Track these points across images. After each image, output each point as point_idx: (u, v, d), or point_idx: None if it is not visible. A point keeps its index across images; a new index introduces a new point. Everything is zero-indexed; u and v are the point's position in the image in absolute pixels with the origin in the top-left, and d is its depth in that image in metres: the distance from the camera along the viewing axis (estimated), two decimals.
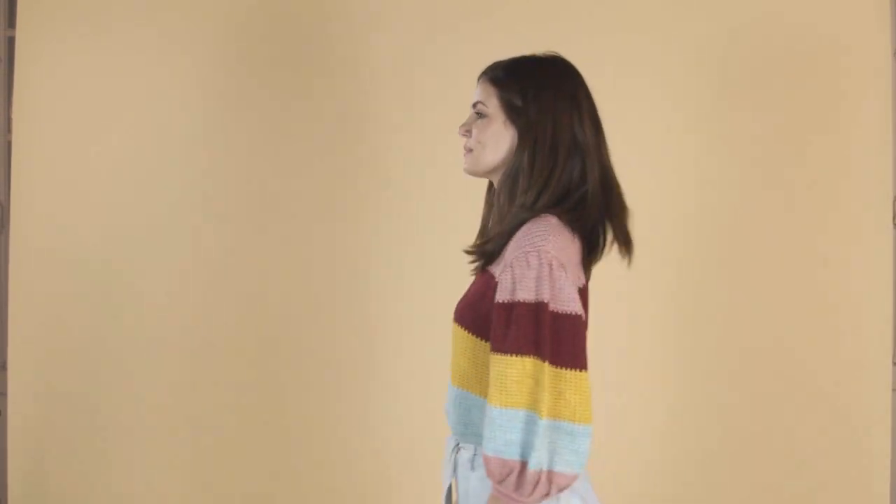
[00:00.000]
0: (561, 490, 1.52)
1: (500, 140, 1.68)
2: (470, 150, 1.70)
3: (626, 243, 1.68)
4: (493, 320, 1.55)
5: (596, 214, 1.65)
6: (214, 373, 2.86)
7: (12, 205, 2.94)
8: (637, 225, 2.76)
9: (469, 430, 1.66)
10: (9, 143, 3.12)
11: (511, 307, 1.53)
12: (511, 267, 1.55)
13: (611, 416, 2.79)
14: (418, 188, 2.77)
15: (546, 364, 1.51)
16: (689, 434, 2.77)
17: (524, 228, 1.59)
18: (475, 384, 1.63)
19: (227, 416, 2.86)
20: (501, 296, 1.55)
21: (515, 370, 1.51)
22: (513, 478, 1.52)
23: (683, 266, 2.78)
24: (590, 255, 1.67)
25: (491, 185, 1.78)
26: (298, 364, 2.84)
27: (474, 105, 1.70)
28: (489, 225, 1.75)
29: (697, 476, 2.76)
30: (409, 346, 2.79)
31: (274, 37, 2.86)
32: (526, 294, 1.53)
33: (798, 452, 2.75)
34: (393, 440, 2.81)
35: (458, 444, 1.70)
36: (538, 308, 1.52)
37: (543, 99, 1.66)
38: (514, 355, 1.51)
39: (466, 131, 1.71)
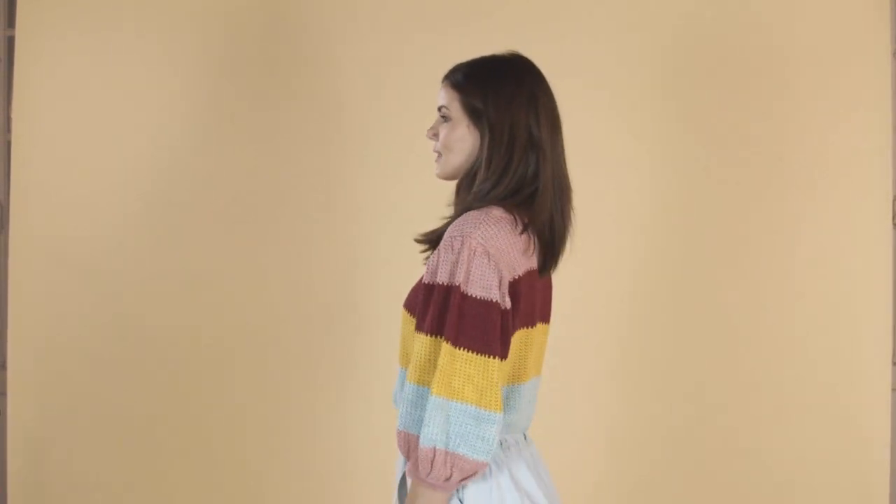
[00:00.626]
0: (466, 476, 1.55)
1: (465, 142, 1.71)
2: (439, 154, 1.74)
3: (557, 243, 1.73)
4: (425, 300, 1.61)
5: (547, 211, 1.69)
6: (215, 372, 2.87)
7: (12, 204, 2.94)
8: (637, 225, 2.77)
9: (414, 412, 1.63)
10: (8, 143, 3.12)
11: (430, 288, 1.60)
12: (438, 251, 1.61)
13: (610, 416, 2.79)
14: (416, 187, 2.77)
15: (446, 343, 1.55)
16: (688, 434, 2.77)
17: (463, 216, 1.63)
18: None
19: (228, 415, 2.86)
20: (425, 277, 1.62)
21: (422, 348, 1.58)
22: (411, 455, 1.57)
23: (682, 266, 2.78)
24: (546, 250, 1.71)
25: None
26: (299, 363, 2.84)
27: (439, 109, 1.73)
28: None
29: (696, 476, 2.76)
30: None
31: (273, 37, 2.86)
32: (443, 277, 1.58)
33: (798, 452, 2.75)
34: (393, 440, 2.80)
35: None
36: (449, 290, 1.57)
37: (502, 98, 1.69)
38: (425, 334, 1.58)
39: (434, 135, 1.74)
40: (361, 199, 2.83)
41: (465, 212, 1.64)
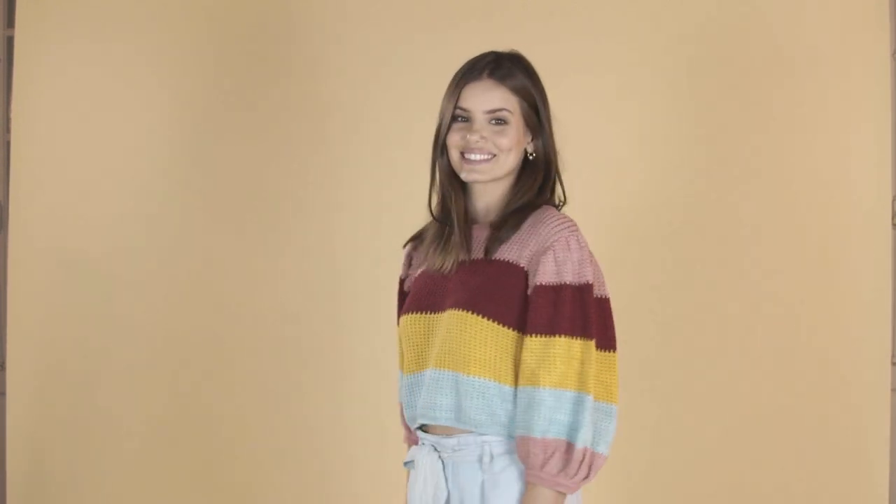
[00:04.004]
0: (595, 473, 1.59)
1: (520, 146, 1.71)
2: (493, 156, 1.68)
3: None
4: (533, 303, 1.60)
5: None
6: (214, 372, 2.86)
7: (11, 204, 2.93)
8: (637, 224, 2.77)
9: (494, 420, 1.63)
10: (8, 143, 3.11)
11: (558, 289, 1.59)
12: (552, 250, 1.60)
13: None
14: (412, 187, 2.76)
15: (592, 344, 1.59)
16: (687, 434, 2.77)
17: (543, 216, 1.65)
18: (501, 373, 1.63)
19: (228, 415, 2.86)
20: (545, 278, 1.60)
21: (563, 351, 1.57)
22: (556, 460, 1.56)
23: (680, 265, 2.78)
24: None
25: (457, 189, 1.74)
26: (299, 363, 2.84)
27: (495, 111, 1.69)
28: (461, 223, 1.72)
29: (695, 476, 2.76)
30: None
31: (272, 37, 2.86)
32: (571, 276, 1.59)
33: (797, 452, 2.75)
34: (396, 441, 2.80)
35: (446, 445, 1.67)
36: (583, 290, 1.60)
37: (546, 100, 1.74)
38: (561, 336, 1.57)
39: (482, 137, 1.68)
40: (358, 198, 2.83)
41: (528, 212, 1.67)
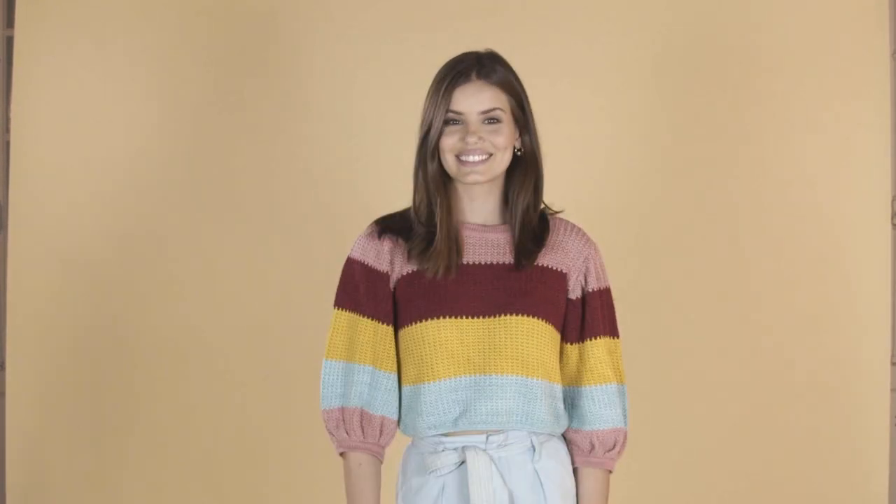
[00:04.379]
0: None
1: (511, 144, 1.73)
2: (490, 156, 1.70)
3: None
4: (591, 307, 1.75)
5: None
6: (214, 372, 2.86)
7: (10, 205, 2.93)
8: (632, 226, 2.77)
9: (558, 421, 1.73)
10: (7, 143, 3.11)
11: (605, 293, 1.77)
12: (593, 258, 1.77)
13: None
14: (402, 185, 2.76)
15: (617, 338, 1.79)
16: (686, 434, 2.77)
17: (567, 224, 1.78)
18: (557, 375, 1.74)
19: (228, 415, 2.86)
20: (600, 283, 1.77)
21: (619, 350, 1.78)
22: (619, 445, 1.75)
23: (680, 265, 2.78)
24: None
25: (443, 194, 1.74)
26: (299, 363, 2.84)
27: (489, 111, 1.70)
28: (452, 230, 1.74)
29: (694, 476, 2.77)
30: None
31: (272, 37, 2.86)
32: (607, 281, 1.79)
33: (796, 452, 2.75)
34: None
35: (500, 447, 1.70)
36: (609, 291, 1.79)
37: (528, 98, 1.77)
38: (616, 337, 1.78)
39: (480, 138, 1.69)
40: (352, 197, 2.82)
41: (540, 216, 1.77)
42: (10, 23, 3.21)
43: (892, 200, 2.80)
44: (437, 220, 1.71)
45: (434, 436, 1.72)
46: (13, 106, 2.94)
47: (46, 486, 2.91)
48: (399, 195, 2.69)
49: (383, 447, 1.76)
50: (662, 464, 2.78)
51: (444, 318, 1.69)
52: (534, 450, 1.71)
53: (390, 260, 1.76)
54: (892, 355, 2.81)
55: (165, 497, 2.88)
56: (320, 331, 2.83)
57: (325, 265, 2.83)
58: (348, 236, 2.81)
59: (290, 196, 2.85)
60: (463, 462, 1.69)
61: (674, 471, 2.78)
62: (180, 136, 2.88)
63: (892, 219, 2.81)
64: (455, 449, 1.70)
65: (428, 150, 1.71)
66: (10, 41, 3.16)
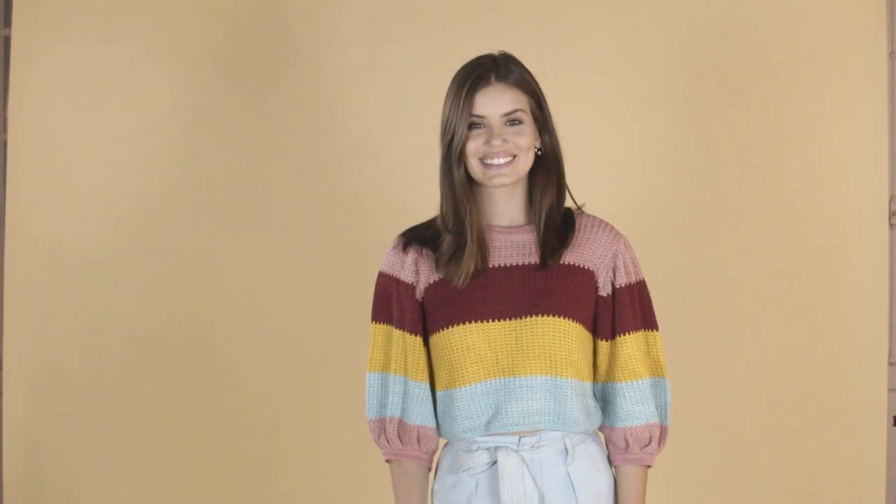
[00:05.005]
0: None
1: (533, 144, 1.74)
2: (514, 157, 1.71)
3: None
4: (620, 303, 1.75)
5: None
6: (211, 372, 2.86)
7: (8, 204, 2.93)
8: (635, 225, 2.77)
9: (590, 419, 1.74)
10: (4, 143, 3.11)
11: (638, 287, 1.78)
12: (622, 253, 1.76)
13: None
14: (412, 184, 2.77)
15: (656, 331, 1.80)
16: (684, 434, 2.77)
17: (592, 221, 1.78)
18: (587, 373, 1.75)
19: (226, 415, 2.86)
20: (629, 277, 1.77)
21: (654, 342, 1.78)
22: (655, 440, 1.75)
23: (678, 265, 2.78)
24: None
25: (471, 199, 1.75)
26: (298, 363, 2.84)
27: (511, 113, 1.71)
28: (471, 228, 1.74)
29: (693, 476, 2.77)
30: None
31: (270, 35, 2.86)
32: (639, 274, 1.79)
33: (793, 452, 2.75)
34: None
35: (536, 447, 1.71)
36: (644, 284, 1.80)
37: (545, 98, 1.78)
38: (650, 330, 1.78)
39: (504, 141, 1.70)
40: (356, 198, 2.83)
41: (567, 213, 1.78)
42: (7, 22, 3.22)
43: (890, 200, 2.81)
44: (468, 226, 1.73)
45: (468, 436, 1.74)
46: (10, 105, 2.94)
47: (43, 486, 2.91)
48: (407, 195, 2.71)
49: (427, 452, 1.79)
50: (658, 463, 2.77)
51: (471, 322, 1.71)
52: (567, 452, 1.71)
53: (415, 270, 1.77)
54: (890, 355, 2.82)
55: (163, 497, 2.88)
56: (321, 331, 2.85)
57: (328, 266, 2.85)
58: (354, 237, 2.85)
59: (293, 196, 2.85)
60: (495, 462, 1.71)
61: (668, 471, 2.78)
62: (178, 136, 2.88)
63: (890, 219, 2.81)
64: (487, 449, 1.72)
65: (454, 157, 1.72)
66: (7, 41, 3.17)
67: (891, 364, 2.81)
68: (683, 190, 2.78)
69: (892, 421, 2.77)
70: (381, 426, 1.78)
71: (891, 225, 2.80)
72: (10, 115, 2.95)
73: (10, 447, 2.93)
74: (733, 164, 2.77)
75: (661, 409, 1.76)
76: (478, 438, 1.72)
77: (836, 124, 2.75)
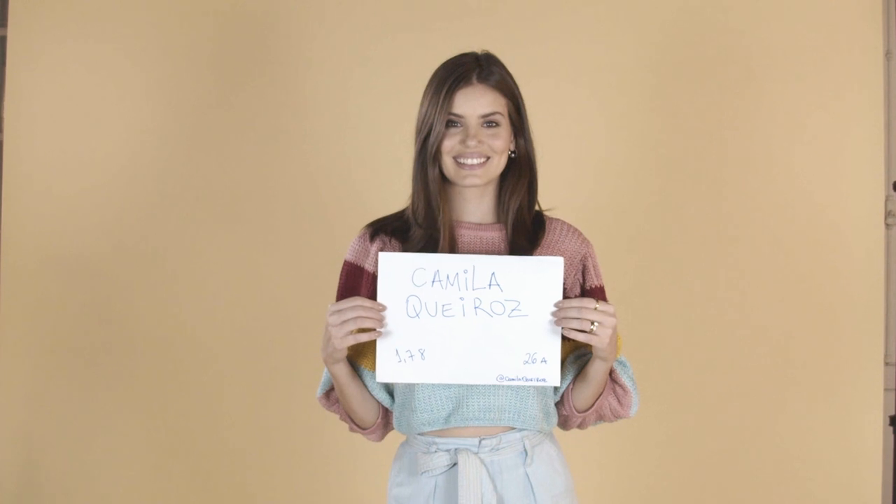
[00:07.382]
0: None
1: (508, 147, 1.74)
2: (487, 159, 1.71)
3: None
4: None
5: None
6: (208, 372, 2.86)
7: (3, 206, 2.93)
8: (629, 225, 2.77)
9: (548, 419, 1.76)
10: (0, 143, 3.11)
11: (602, 290, 1.79)
12: (590, 256, 1.79)
13: None
14: (399, 185, 2.76)
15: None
16: (682, 434, 2.78)
17: (563, 224, 1.79)
18: None
19: (223, 415, 2.86)
20: (595, 281, 1.79)
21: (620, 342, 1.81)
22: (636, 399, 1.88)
23: (676, 265, 2.78)
24: None
25: (444, 196, 1.75)
26: (296, 362, 2.84)
27: (488, 115, 1.71)
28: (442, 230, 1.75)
29: (691, 476, 2.77)
30: None
31: (266, 34, 2.86)
32: (602, 278, 1.81)
33: (791, 452, 2.76)
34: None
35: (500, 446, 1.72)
36: (603, 290, 1.80)
37: (524, 102, 1.78)
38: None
39: (479, 142, 1.70)
40: (348, 196, 2.83)
41: (529, 211, 1.77)
42: (2, 22, 3.21)
43: (886, 200, 2.81)
44: (440, 223, 1.73)
45: (427, 435, 1.72)
46: (6, 105, 2.94)
47: (38, 487, 2.91)
48: (395, 193, 2.69)
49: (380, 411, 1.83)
50: (657, 463, 2.78)
51: None
52: (526, 454, 1.72)
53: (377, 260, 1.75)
54: (886, 355, 2.82)
55: (158, 496, 2.87)
56: (315, 329, 2.84)
57: (320, 264, 2.84)
58: (343, 234, 2.82)
59: (285, 195, 2.85)
60: (454, 464, 1.70)
61: (667, 471, 2.78)
62: (174, 136, 2.88)
63: (886, 218, 2.81)
64: (447, 451, 1.71)
65: (429, 154, 1.72)
66: (3, 40, 3.16)
67: (887, 364, 2.82)
68: (677, 191, 2.78)
69: (888, 421, 2.77)
70: (331, 399, 1.82)
71: (887, 225, 2.80)
72: (5, 115, 2.95)
73: (6, 448, 2.92)
74: (727, 164, 2.77)
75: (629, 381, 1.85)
76: (437, 440, 1.72)
77: (831, 125, 2.76)
